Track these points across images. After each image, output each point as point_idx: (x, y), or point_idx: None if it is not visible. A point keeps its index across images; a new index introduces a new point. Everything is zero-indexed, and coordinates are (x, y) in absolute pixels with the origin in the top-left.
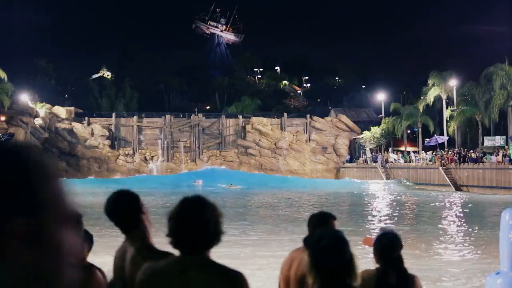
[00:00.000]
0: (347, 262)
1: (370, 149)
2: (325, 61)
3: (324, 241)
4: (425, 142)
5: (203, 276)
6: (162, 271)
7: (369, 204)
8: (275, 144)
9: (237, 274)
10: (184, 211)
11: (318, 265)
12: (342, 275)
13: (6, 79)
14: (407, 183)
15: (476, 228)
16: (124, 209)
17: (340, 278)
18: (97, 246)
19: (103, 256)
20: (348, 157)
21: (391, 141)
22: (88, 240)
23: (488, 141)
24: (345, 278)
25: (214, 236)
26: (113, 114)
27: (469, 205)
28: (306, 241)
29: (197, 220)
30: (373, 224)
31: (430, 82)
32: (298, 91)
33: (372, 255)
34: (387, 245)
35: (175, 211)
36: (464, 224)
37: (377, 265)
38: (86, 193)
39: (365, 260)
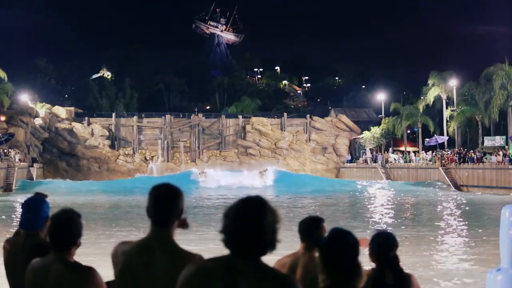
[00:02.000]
0: (358, 263)
1: (370, 149)
2: (325, 61)
3: (340, 241)
4: (425, 142)
5: (254, 279)
6: (212, 271)
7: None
8: (275, 144)
9: (289, 278)
10: (244, 212)
11: (333, 265)
12: (353, 275)
13: (6, 79)
14: (443, 186)
15: (476, 227)
16: (173, 202)
17: (351, 278)
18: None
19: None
20: (349, 157)
21: (391, 141)
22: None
23: (488, 141)
24: (355, 278)
25: (269, 243)
26: (113, 114)
27: (469, 205)
28: (316, 241)
29: (255, 224)
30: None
31: (430, 82)
32: (298, 91)
33: (367, 256)
34: (383, 245)
35: (234, 209)
36: (464, 224)
37: (373, 265)
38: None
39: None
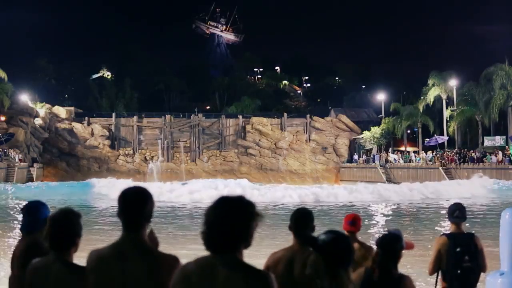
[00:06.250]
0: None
1: (371, 149)
2: (325, 61)
3: (342, 244)
4: (425, 142)
5: (231, 275)
6: (193, 272)
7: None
8: (275, 144)
9: (264, 275)
10: (217, 208)
11: (334, 268)
12: (341, 262)
13: (6, 79)
14: None
15: (475, 228)
16: (142, 206)
17: (340, 264)
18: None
19: None
20: (356, 156)
21: (391, 141)
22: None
23: (488, 141)
24: (344, 265)
25: (241, 237)
26: (113, 114)
27: (468, 205)
28: (311, 241)
29: (226, 217)
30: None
31: (430, 82)
32: (298, 91)
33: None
34: (383, 246)
35: (210, 207)
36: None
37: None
38: None
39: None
